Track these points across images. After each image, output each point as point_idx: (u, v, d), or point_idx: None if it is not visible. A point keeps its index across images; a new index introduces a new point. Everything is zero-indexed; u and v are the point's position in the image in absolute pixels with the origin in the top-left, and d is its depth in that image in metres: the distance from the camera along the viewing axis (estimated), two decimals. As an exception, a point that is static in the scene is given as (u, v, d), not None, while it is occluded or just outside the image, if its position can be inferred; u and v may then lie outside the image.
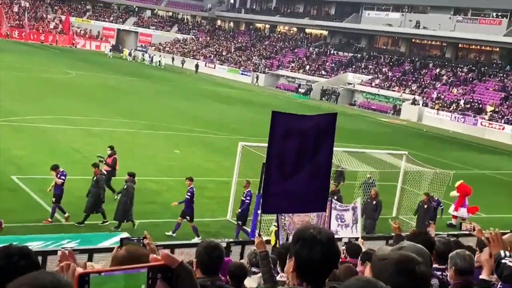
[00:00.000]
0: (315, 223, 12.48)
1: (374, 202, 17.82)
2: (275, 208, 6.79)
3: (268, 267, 4.35)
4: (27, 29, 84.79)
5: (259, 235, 5.91)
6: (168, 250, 10.58)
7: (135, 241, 2.92)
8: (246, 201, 16.17)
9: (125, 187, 15.99)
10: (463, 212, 20.37)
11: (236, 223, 16.45)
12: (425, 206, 18.41)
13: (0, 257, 2.93)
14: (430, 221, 18.59)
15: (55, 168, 15.89)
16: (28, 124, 27.16)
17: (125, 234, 14.02)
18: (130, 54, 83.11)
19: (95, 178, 16.11)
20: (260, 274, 6.16)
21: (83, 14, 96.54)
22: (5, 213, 15.17)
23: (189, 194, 15.90)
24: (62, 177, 15.69)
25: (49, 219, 15.50)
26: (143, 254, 2.37)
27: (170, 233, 15.73)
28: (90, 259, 10.01)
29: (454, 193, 20.64)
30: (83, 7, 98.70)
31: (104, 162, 18.14)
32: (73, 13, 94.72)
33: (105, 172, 17.25)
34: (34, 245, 11.74)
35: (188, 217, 15.85)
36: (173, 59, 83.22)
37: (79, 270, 1.77)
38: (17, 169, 19.50)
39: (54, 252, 10.22)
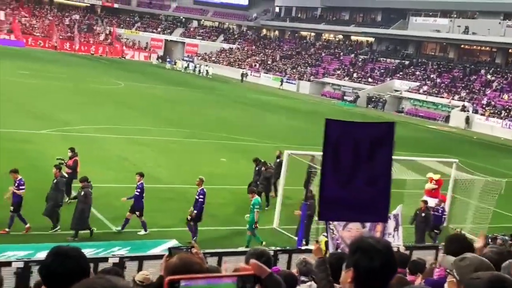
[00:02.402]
0: (366, 232, 12.35)
1: (423, 214, 17.47)
2: (332, 216, 6.76)
3: (326, 273, 4.32)
4: (78, 41, 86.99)
5: (317, 241, 5.89)
6: (215, 258, 10.64)
7: (184, 250, 2.95)
8: (200, 200, 15.84)
9: (82, 193, 15.21)
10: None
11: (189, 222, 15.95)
12: (423, 214, 17.49)
13: (49, 256, 3.01)
14: (436, 231, 17.96)
15: (15, 171, 15.21)
16: (78, 133, 27.80)
17: (173, 242, 14.18)
18: (175, 64, 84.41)
19: (55, 180, 15.52)
20: (309, 283, 6.13)
21: (132, 26, 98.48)
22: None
23: (138, 190, 15.86)
24: (22, 188, 14.94)
25: (6, 229, 14.77)
26: (196, 263, 2.41)
27: (119, 228, 15.75)
28: (140, 266, 10.15)
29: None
30: (131, 19, 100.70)
31: (65, 164, 17.62)
32: (122, 25, 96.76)
33: (66, 175, 16.77)
34: (85, 253, 11.96)
35: (137, 212, 15.82)
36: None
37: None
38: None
39: (105, 259, 10.42)
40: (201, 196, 15.77)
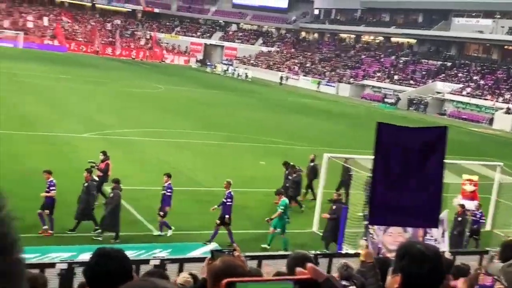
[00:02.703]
0: (408, 238, 12.16)
1: (460, 219, 17.10)
2: (382, 221, 6.66)
3: (376, 278, 4.25)
4: (119, 46, 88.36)
5: (367, 246, 5.80)
6: (255, 261, 10.60)
7: (226, 253, 2.92)
8: (228, 203, 15.77)
9: (111, 194, 15.33)
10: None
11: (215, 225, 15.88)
12: (459, 218, 16.90)
13: (93, 257, 3.04)
14: (475, 236, 17.41)
15: (48, 172, 15.40)
16: (119, 137, 28.18)
17: (213, 245, 14.21)
18: (215, 67, 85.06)
19: (86, 184, 15.53)
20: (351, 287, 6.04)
21: (172, 30, 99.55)
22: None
23: (169, 190, 15.85)
24: (53, 189, 15.08)
25: (50, 231, 14.98)
26: (239, 266, 2.38)
27: (159, 233, 15.69)
28: (180, 268, 10.18)
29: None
30: (171, 23, 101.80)
31: (96, 167, 17.78)
32: (162, 30, 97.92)
33: (97, 178, 16.78)
34: (127, 254, 12.10)
35: (161, 213, 15.76)
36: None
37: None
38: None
39: (146, 261, 10.49)
40: (228, 200, 15.70)
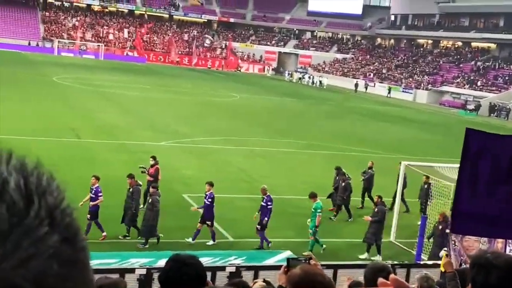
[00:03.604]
0: (486, 248, 11.71)
1: None
2: (466, 230, 6.43)
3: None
4: (196, 55, 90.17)
5: (447, 255, 5.62)
6: (331, 270, 10.48)
7: (303, 261, 2.89)
8: (269, 207, 15.63)
9: (149, 201, 15.23)
10: None
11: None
12: (440, 227, 16.02)
13: (168, 263, 3.09)
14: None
15: (97, 178, 15.60)
16: (196, 145, 28.67)
17: (288, 253, 14.16)
18: (291, 76, 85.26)
19: (130, 189, 15.57)
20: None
21: (247, 39, 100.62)
22: (177, 230, 16.07)
23: (209, 199, 15.62)
24: (100, 195, 15.26)
25: (104, 234, 15.23)
26: (318, 274, 2.35)
27: (189, 240, 15.38)
28: (255, 276, 10.21)
29: None
30: (246, 32, 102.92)
31: (147, 172, 17.92)
32: (237, 39, 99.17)
33: (140, 183, 16.56)
34: (203, 261, 12.27)
35: (208, 222, 15.53)
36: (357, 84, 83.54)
37: None
38: (187, 188, 20.58)
39: (222, 268, 10.58)
40: (269, 203, 15.67)
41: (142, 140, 28.00)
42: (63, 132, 27.71)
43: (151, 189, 15.45)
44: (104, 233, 15.24)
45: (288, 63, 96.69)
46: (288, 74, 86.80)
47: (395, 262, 12.54)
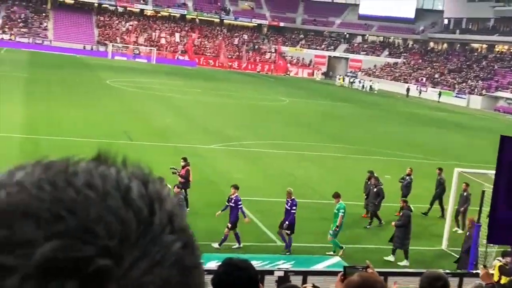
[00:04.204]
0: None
1: None
2: (503, 239, 6.26)
3: None
4: (245, 59, 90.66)
5: (484, 266, 5.50)
6: (382, 278, 10.33)
7: (360, 269, 2.85)
8: (292, 211, 15.54)
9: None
10: None
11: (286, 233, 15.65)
12: (468, 233, 15.24)
13: (221, 266, 3.12)
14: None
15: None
16: (244, 148, 28.77)
17: (336, 259, 14.04)
18: (343, 80, 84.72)
19: None
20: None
21: (296, 43, 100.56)
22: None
23: (239, 203, 15.56)
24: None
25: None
26: (378, 281, 2.31)
27: (216, 245, 15.23)
28: (304, 281, 10.16)
29: None
30: (296, 36, 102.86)
31: (178, 173, 17.93)
32: (287, 43, 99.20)
33: (169, 186, 16.68)
34: None
35: (229, 225, 15.41)
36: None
37: None
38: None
39: (271, 272, 10.58)
40: (293, 208, 15.60)
41: (192, 143, 28.29)
42: (115, 134, 28.25)
43: (175, 189, 15.44)
44: None
45: (338, 68, 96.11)
46: (338, 78, 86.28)
47: (447, 271, 12.26)
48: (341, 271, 2.90)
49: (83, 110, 34.40)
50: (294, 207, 15.67)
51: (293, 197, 15.84)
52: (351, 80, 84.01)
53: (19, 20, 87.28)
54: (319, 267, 13.43)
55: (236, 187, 15.85)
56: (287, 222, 15.48)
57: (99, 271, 0.58)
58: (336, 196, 16.21)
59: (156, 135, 29.06)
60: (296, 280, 10.36)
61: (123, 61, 78.58)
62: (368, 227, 18.63)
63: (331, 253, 15.58)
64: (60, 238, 0.59)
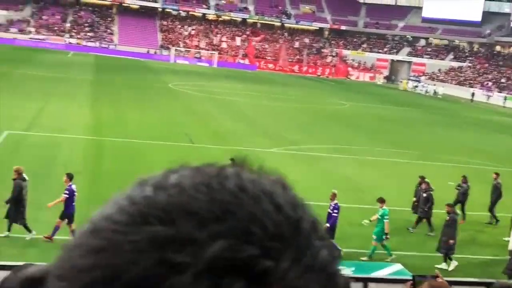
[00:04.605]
0: None
1: None
2: None
3: None
4: (306, 63, 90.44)
5: None
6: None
7: (429, 278, 2.75)
8: (334, 214, 15.34)
9: None
10: None
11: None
12: None
13: None
14: None
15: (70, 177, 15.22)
16: (305, 152, 28.66)
17: (398, 266, 13.76)
18: (406, 84, 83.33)
19: None
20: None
21: (358, 47, 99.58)
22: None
23: (336, 211, 15.54)
24: (66, 192, 14.93)
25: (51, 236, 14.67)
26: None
27: None
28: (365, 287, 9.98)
29: None
30: (358, 39, 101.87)
31: None
32: (348, 46, 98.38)
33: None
34: None
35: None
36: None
37: None
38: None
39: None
40: (335, 211, 15.44)
41: (252, 146, 28.38)
42: (177, 137, 28.69)
43: None
44: None
45: (401, 71, 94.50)
46: (401, 82, 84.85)
47: (515, 283, 11.80)
48: (409, 279, 2.80)
49: (146, 112, 35.09)
50: (335, 211, 15.62)
51: (336, 201, 15.79)
52: (415, 84, 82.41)
53: (85, 25, 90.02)
54: (380, 274, 13.18)
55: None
56: (327, 225, 15.32)
57: (263, 271, 0.61)
58: (381, 201, 15.98)
59: (216, 138, 29.32)
60: (356, 287, 10.20)
61: (185, 65, 79.75)
62: (410, 230, 18.17)
63: (388, 259, 15.32)
64: (225, 238, 0.61)
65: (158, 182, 0.68)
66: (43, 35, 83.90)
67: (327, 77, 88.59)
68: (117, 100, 38.45)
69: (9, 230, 14.42)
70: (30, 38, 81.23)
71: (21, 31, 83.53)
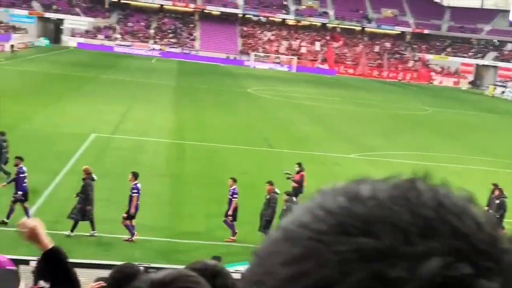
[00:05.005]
0: None
1: None
2: None
3: None
4: (386, 68, 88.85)
5: None
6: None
7: None
8: None
9: (284, 207, 14.98)
10: None
11: None
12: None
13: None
14: None
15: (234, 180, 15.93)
16: (384, 159, 28.07)
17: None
18: (493, 89, 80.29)
19: (268, 196, 15.45)
20: None
21: (442, 51, 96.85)
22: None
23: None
24: (235, 196, 15.64)
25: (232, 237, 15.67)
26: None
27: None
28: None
29: None
30: (441, 44, 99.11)
31: (292, 179, 18.01)
32: (431, 51, 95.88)
33: (278, 191, 16.00)
34: None
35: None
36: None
37: None
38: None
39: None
40: None
41: (331, 151, 28.12)
42: (256, 141, 28.84)
43: (284, 196, 15.30)
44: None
45: (486, 76, 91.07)
46: (487, 87, 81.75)
47: None
48: None
49: (225, 117, 35.51)
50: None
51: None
52: (502, 90, 79.20)
53: (168, 31, 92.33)
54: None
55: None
56: None
57: None
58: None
59: (295, 143, 29.21)
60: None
61: (264, 70, 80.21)
62: None
63: None
64: (439, 255, 0.59)
65: (350, 193, 0.67)
66: (128, 41, 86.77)
67: (409, 82, 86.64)
68: (198, 105, 39.12)
69: (74, 230, 14.80)
70: (116, 45, 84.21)
71: (108, 37, 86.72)
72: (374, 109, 47.50)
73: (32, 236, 3.39)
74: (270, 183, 15.71)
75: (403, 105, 52.75)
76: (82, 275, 6.62)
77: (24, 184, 15.57)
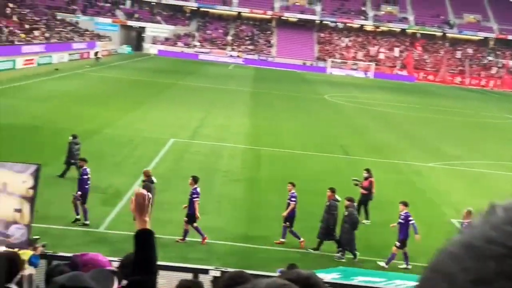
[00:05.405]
0: None
1: None
2: None
3: None
4: (468, 74, 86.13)
5: None
6: None
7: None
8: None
9: (346, 213, 14.87)
10: None
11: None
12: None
13: None
14: None
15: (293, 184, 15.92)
16: (467, 168, 27.20)
17: None
18: None
19: (327, 203, 15.17)
20: None
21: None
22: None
23: (410, 219, 14.67)
24: (293, 200, 15.59)
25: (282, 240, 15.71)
26: None
27: (383, 263, 14.52)
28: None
29: None
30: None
31: (360, 185, 17.84)
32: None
33: (339, 199, 15.64)
34: (377, 281, 12.06)
35: (398, 244, 14.59)
36: None
37: None
38: (456, 212, 19.57)
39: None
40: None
41: (410, 160, 27.54)
42: (332, 148, 28.67)
43: (346, 202, 15.11)
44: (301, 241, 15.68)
45: None
46: None
47: None
48: None
49: (301, 123, 35.49)
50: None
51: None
52: None
53: (246, 38, 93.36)
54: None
55: (405, 204, 14.94)
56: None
57: None
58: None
59: (372, 151, 28.78)
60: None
61: (341, 76, 79.60)
62: None
63: None
64: None
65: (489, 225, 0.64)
66: (207, 48, 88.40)
67: (492, 89, 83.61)
68: (274, 111, 39.31)
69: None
70: (195, 52, 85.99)
71: (187, 44, 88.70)
72: (455, 117, 46.16)
73: (140, 207, 3.34)
74: (332, 189, 15.61)
75: (486, 113, 50.97)
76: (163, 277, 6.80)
77: (87, 186, 15.73)
